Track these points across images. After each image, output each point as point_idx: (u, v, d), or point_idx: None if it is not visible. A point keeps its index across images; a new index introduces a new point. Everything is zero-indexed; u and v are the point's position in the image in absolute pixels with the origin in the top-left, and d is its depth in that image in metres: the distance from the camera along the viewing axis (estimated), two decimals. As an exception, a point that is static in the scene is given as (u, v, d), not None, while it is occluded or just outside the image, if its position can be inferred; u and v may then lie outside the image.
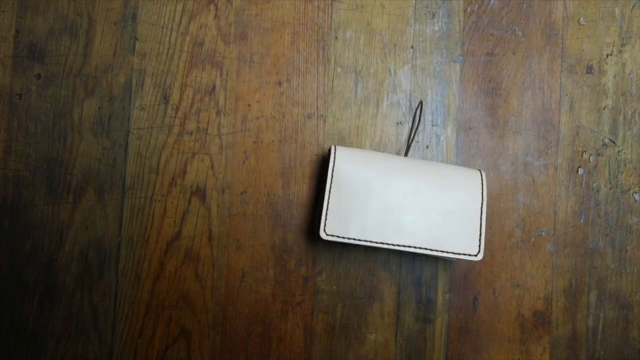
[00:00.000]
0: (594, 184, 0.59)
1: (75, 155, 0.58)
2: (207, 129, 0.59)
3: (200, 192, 0.58)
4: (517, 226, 0.59)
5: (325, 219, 0.51)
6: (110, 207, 0.58)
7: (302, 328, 0.58)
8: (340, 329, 0.58)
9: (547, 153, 0.59)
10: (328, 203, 0.51)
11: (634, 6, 0.61)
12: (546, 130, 0.60)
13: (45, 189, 0.58)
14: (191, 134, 0.58)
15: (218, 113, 0.59)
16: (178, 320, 0.57)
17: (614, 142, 0.60)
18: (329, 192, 0.51)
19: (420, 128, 0.59)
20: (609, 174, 0.60)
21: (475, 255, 0.51)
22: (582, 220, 0.59)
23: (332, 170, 0.52)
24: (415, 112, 0.56)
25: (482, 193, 0.52)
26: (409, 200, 0.51)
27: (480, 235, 0.51)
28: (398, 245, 0.51)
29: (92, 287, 0.58)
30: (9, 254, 0.57)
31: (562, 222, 0.59)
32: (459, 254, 0.51)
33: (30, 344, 0.57)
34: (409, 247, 0.51)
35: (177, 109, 0.59)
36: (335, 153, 0.52)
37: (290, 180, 0.58)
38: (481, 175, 0.53)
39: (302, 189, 0.58)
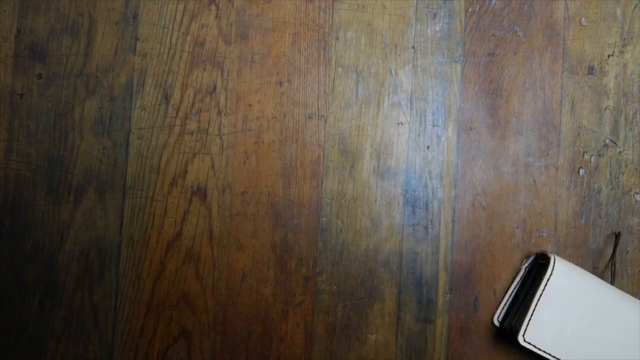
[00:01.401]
0: (595, 185, 0.59)
1: (76, 155, 0.58)
2: (208, 129, 0.59)
3: (201, 192, 0.58)
4: (517, 227, 0.59)
5: (527, 326, 0.52)
6: (111, 206, 0.58)
7: (302, 328, 0.58)
8: (341, 330, 0.58)
9: (548, 154, 0.59)
10: (534, 311, 0.52)
11: (635, 7, 0.61)
12: (547, 130, 0.60)
13: (46, 188, 0.58)
14: (192, 134, 0.58)
15: (219, 113, 0.59)
16: (179, 320, 0.57)
17: (615, 143, 0.60)
18: (538, 300, 0.52)
19: (420, 128, 0.59)
20: (610, 175, 0.60)
21: None
22: (583, 221, 0.59)
23: (548, 281, 0.53)
24: (616, 243, 0.57)
25: None
26: (614, 345, 0.51)
27: None
28: None
29: (92, 287, 0.58)
30: (10, 253, 0.57)
31: (563, 223, 0.59)
32: None
33: (30, 343, 0.57)
34: None
35: (178, 109, 0.59)
36: (554, 263, 0.53)
37: (291, 181, 0.58)
38: None
39: (302, 189, 0.58)
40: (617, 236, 0.57)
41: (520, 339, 0.51)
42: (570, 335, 0.51)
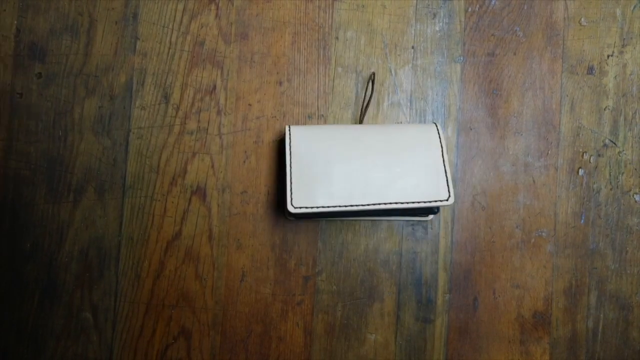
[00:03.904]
0: (595, 185, 0.59)
1: (75, 154, 0.58)
2: (207, 129, 0.59)
3: (200, 192, 0.58)
4: (517, 227, 0.59)
5: (291, 193, 0.50)
6: (111, 206, 0.58)
7: (302, 328, 0.58)
8: (340, 329, 0.58)
9: (547, 154, 0.59)
10: (291, 177, 0.51)
11: (635, 7, 0.61)
12: (547, 130, 0.60)
13: (46, 188, 0.58)
14: (192, 133, 0.58)
15: (219, 112, 0.59)
16: (178, 320, 0.57)
17: (615, 143, 0.60)
18: (290, 167, 0.51)
19: (420, 128, 0.59)
20: (610, 175, 0.60)
21: (447, 200, 0.50)
22: (582, 221, 0.59)
23: (290, 148, 0.52)
24: (368, 83, 0.57)
25: (440, 141, 0.52)
26: (371, 161, 0.51)
27: (447, 180, 0.51)
28: (367, 205, 0.50)
29: (92, 286, 0.58)
30: (9, 252, 0.57)
31: (562, 222, 0.59)
32: (430, 201, 0.50)
33: (30, 342, 0.57)
34: (379, 204, 0.50)
35: (178, 109, 0.59)
36: (290, 132, 0.53)
37: (290, 180, 0.58)
38: (436, 127, 0.53)
39: (302, 188, 0.58)
40: (372, 75, 0.56)
41: (290, 208, 0.49)
42: (341, 179, 0.50)
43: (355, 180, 0.50)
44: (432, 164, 0.51)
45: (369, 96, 0.56)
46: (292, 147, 0.52)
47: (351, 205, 0.50)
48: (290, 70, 0.59)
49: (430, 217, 0.57)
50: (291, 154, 0.52)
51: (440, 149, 0.52)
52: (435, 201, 0.50)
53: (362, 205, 0.50)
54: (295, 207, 0.50)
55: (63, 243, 0.58)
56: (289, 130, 0.53)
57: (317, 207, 0.50)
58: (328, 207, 0.50)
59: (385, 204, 0.50)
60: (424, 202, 0.50)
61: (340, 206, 0.50)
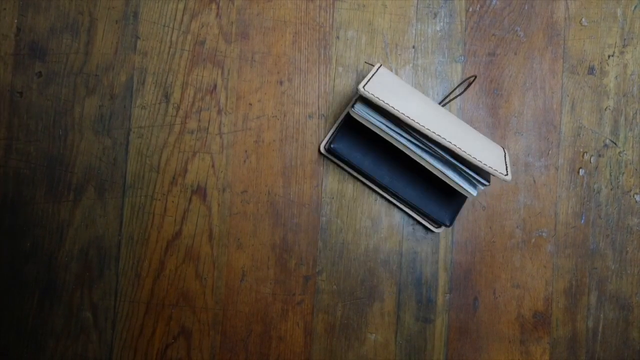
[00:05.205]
0: (595, 185, 0.59)
1: (75, 153, 0.58)
2: (208, 128, 0.59)
3: (201, 191, 0.58)
4: (517, 227, 0.59)
5: (368, 80, 0.48)
6: (111, 205, 0.58)
7: (302, 328, 0.58)
8: (340, 329, 0.58)
9: (548, 154, 0.59)
10: (373, 75, 0.50)
11: (635, 7, 0.61)
12: (547, 130, 0.60)
13: (46, 187, 0.58)
14: (192, 132, 0.58)
15: (219, 112, 0.59)
16: (178, 319, 0.57)
17: (615, 143, 0.60)
18: (374, 74, 0.50)
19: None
20: (610, 175, 0.60)
21: (506, 175, 0.48)
22: (582, 221, 0.59)
23: (378, 68, 0.52)
24: (465, 81, 0.58)
25: (505, 155, 0.52)
26: (446, 120, 0.50)
27: (507, 166, 0.49)
28: (434, 132, 0.47)
29: (92, 286, 0.57)
30: (9, 252, 0.57)
31: (562, 223, 0.59)
32: (491, 167, 0.47)
33: (29, 342, 0.57)
34: (443, 138, 0.47)
35: (178, 108, 0.59)
36: (381, 65, 0.53)
37: (291, 180, 0.58)
38: (504, 151, 0.54)
39: (302, 188, 0.58)
40: (473, 79, 0.57)
41: (360, 88, 0.47)
42: (416, 106, 0.49)
43: (428, 116, 0.48)
44: (496, 154, 0.51)
45: (458, 93, 0.57)
46: (379, 69, 0.52)
47: (418, 122, 0.47)
48: (291, 69, 0.59)
49: (475, 193, 0.53)
50: (375, 74, 0.50)
51: (504, 153, 0.52)
52: (496, 170, 0.47)
53: (432, 131, 0.47)
54: (366, 90, 0.47)
55: (63, 242, 0.58)
56: (380, 64, 0.54)
57: (386, 102, 0.47)
58: (396, 109, 0.47)
59: (449, 142, 0.47)
60: (487, 165, 0.47)
61: (407, 116, 0.47)
